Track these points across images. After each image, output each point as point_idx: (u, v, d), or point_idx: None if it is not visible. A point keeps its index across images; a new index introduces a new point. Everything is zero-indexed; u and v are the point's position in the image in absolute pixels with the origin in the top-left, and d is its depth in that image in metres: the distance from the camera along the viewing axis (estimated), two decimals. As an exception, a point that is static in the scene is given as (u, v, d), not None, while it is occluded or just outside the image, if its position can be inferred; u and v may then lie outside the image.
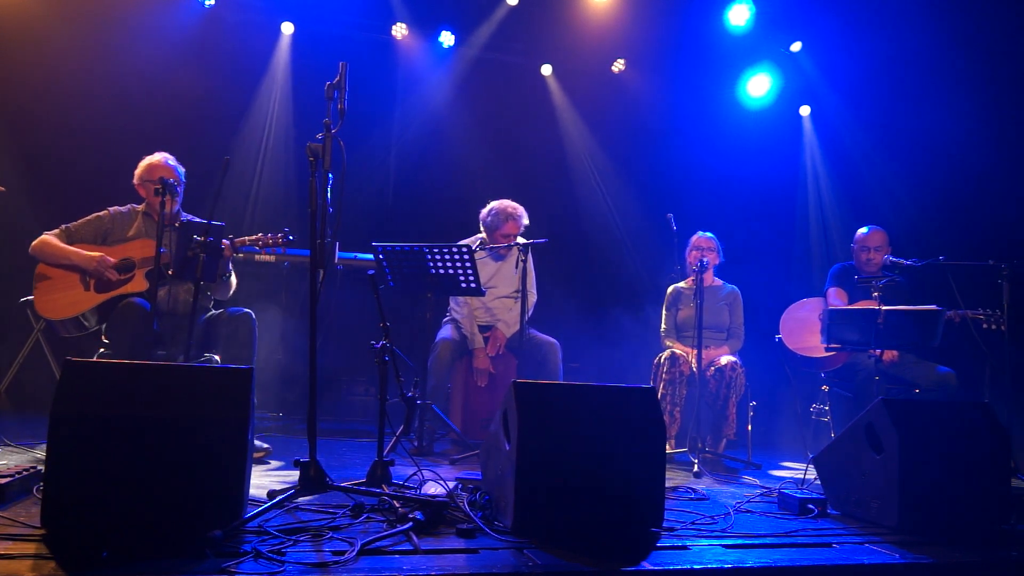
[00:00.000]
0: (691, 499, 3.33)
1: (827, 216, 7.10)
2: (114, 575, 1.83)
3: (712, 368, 4.65)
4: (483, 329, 4.88)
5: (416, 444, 4.26)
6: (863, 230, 4.99)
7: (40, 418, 4.41)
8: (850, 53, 6.66)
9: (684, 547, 2.48)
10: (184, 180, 4.19)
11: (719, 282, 5.10)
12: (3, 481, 2.51)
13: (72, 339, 4.03)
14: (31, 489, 2.66)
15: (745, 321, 5.03)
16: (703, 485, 3.73)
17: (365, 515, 2.55)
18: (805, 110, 7.27)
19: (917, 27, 6.08)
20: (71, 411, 2.22)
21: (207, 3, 6.08)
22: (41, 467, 2.73)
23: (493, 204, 4.90)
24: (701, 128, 7.06)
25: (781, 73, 7.08)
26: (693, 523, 2.81)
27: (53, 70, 5.63)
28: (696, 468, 4.04)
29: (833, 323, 4.23)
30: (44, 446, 3.63)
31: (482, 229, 4.97)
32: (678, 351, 4.73)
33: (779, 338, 4.90)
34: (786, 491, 3.24)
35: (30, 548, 2.04)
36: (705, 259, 4.61)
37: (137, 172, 4.13)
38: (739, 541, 2.60)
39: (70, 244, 3.93)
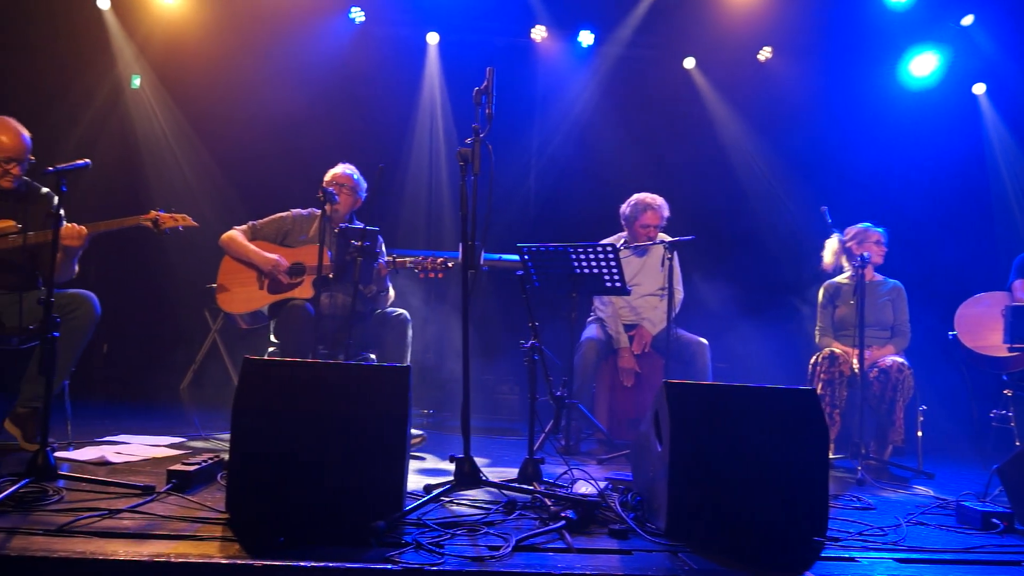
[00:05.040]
0: (856, 508, 3.14)
1: (1013, 202, 6.44)
2: (291, 559, 1.96)
3: (876, 369, 4.35)
4: (628, 328, 4.83)
5: (563, 443, 4.28)
6: None
7: (213, 412, 4.85)
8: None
9: (851, 559, 2.34)
10: (364, 191, 4.45)
11: (879, 277, 4.76)
12: (191, 469, 2.75)
13: (245, 339, 4.38)
14: (215, 476, 2.90)
15: (912, 317, 4.67)
16: (868, 494, 3.50)
17: (518, 512, 2.59)
18: (980, 88, 6.64)
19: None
20: (250, 405, 2.40)
21: (356, 20, 6.41)
22: (220, 456, 2.98)
23: (633, 196, 4.88)
24: (857, 113, 6.62)
25: (951, 50, 6.51)
26: (860, 534, 2.65)
27: (231, 90, 6.22)
28: (859, 475, 3.81)
29: (1017, 320, 3.85)
30: (221, 437, 4.00)
31: (623, 224, 4.93)
32: (837, 350, 4.46)
33: (954, 335, 4.51)
34: (966, 503, 2.98)
35: (217, 531, 2.23)
36: (866, 253, 4.32)
37: None
38: (914, 556, 2.42)
39: (254, 239, 4.29)
